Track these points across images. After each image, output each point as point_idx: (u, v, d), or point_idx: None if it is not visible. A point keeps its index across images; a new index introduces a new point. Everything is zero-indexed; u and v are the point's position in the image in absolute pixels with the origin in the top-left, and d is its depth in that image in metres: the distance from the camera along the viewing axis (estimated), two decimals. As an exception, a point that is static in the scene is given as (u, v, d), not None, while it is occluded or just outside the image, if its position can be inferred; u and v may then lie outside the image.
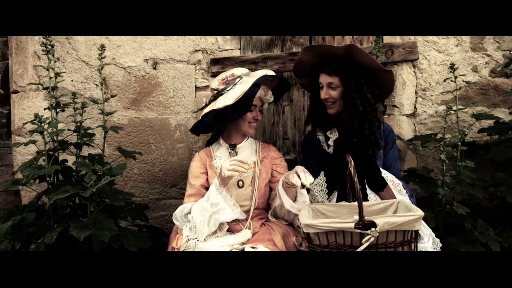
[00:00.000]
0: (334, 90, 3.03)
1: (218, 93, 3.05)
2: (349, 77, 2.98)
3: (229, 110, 2.93)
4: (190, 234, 2.83)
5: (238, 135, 3.18)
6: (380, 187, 2.98)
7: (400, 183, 3.03)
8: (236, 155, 3.10)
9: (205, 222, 2.80)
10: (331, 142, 3.20)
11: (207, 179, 3.10)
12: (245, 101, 2.94)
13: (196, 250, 2.75)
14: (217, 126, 3.24)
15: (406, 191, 3.02)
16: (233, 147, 3.10)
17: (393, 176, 3.03)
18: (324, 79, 3.06)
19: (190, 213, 2.91)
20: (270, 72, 3.12)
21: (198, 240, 2.79)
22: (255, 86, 2.94)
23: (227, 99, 2.94)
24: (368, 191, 3.00)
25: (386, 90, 3.15)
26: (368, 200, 2.92)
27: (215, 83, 3.10)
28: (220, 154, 3.17)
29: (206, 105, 3.11)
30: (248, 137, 3.25)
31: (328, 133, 3.23)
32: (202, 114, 3.06)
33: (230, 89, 3.01)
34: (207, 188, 3.04)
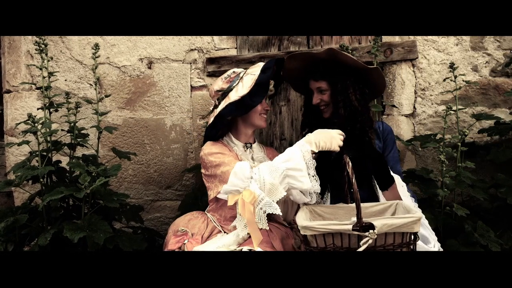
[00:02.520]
0: (324, 94, 3.06)
1: (225, 91, 3.05)
2: (335, 80, 3.01)
3: (247, 99, 2.92)
4: (263, 193, 2.61)
5: (248, 132, 3.16)
6: (388, 184, 2.97)
7: (405, 184, 3.02)
8: (253, 152, 3.12)
9: (276, 182, 2.61)
10: None
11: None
12: (260, 86, 2.93)
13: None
14: (221, 129, 3.21)
15: (410, 194, 3.02)
16: (249, 145, 3.12)
17: (398, 176, 3.02)
18: (313, 84, 3.10)
19: (254, 171, 2.71)
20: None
21: (273, 200, 2.59)
22: (266, 70, 2.95)
23: (240, 91, 2.94)
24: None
25: (378, 86, 3.17)
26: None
27: (219, 84, 3.08)
28: (237, 150, 3.15)
29: (216, 106, 3.09)
30: (255, 139, 3.26)
31: None
32: (216, 114, 3.01)
33: (237, 84, 3.02)
34: None
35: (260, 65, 3.02)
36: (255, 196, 2.59)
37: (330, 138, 2.72)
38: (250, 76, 2.98)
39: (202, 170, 3.03)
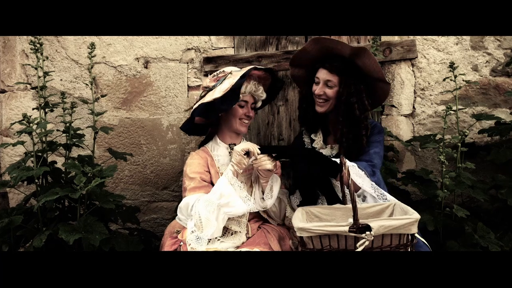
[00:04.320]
0: (330, 89, 3.03)
1: (210, 89, 3.07)
2: (349, 80, 2.98)
3: (218, 103, 2.94)
4: (195, 228, 2.76)
5: (232, 134, 3.19)
6: (335, 173, 2.88)
7: (355, 164, 2.87)
8: None
9: (212, 216, 2.73)
10: (315, 145, 3.23)
11: (210, 179, 3.06)
12: (235, 92, 2.95)
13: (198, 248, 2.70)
14: (211, 128, 3.25)
15: (364, 172, 2.88)
16: (232, 146, 3.13)
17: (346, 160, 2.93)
18: (323, 75, 3.05)
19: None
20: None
21: (207, 236, 2.73)
22: (242, 77, 2.96)
23: (215, 93, 2.96)
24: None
25: (378, 100, 3.18)
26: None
27: (207, 81, 3.12)
28: (220, 153, 3.17)
29: (197, 103, 3.12)
30: (243, 139, 3.27)
31: (312, 136, 3.25)
32: (191, 110, 3.07)
33: (219, 84, 3.03)
34: (212, 185, 3.01)
35: (247, 68, 3.03)
36: (185, 236, 2.81)
37: (234, 155, 2.83)
38: (230, 80, 2.99)
39: None
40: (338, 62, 3.01)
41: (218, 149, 3.18)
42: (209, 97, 2.96)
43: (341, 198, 2.85)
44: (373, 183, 2.86)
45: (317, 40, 3.05)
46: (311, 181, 3.03)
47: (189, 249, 2.69)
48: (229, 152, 3.14)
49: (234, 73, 3.06)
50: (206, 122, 3.26)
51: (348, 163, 2.84)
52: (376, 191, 2.83)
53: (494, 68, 3.96)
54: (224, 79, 3.03)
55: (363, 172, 2.86)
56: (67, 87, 4.09)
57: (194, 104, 3.11)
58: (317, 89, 3.08)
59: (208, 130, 3.30)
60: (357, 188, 2.86)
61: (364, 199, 2.90)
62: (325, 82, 3.05)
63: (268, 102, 3.46)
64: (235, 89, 2.93)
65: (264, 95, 3.23)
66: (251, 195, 2.90)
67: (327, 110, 3.09)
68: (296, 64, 3.30)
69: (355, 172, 2.82)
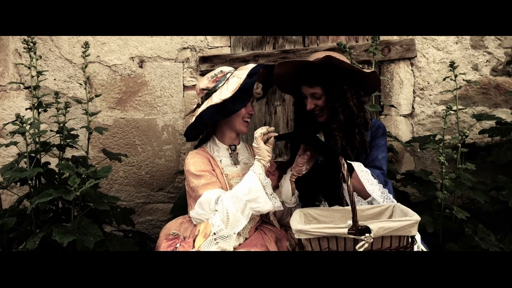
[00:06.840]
0: (319, 99, 3.02)
1: (210, 91, 3.04)
2: (330, 85, 2.96)
3: (229, 103, 2.92)
4: (222, 225, 2.73)
5: (232, 135, 3.17)
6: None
7: (368, 171, 2.90)
8: (237, 155, 3.13)
9: (239, 213, 2.74)
10: None
11: (217, 178, 3.01)
12: (244, 92, 2.93)
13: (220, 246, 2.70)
14: (206, 130, 3.23)
15: (378, 180, 2.91)
16: (233, 147, 3.13)
17: (360, 164, 2.91)
18: (306, 90, 3.05)
19: (217, 202, 2.82)
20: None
21: (234, 232, 2.73)
22: (252, 75, 2.95)
23: (223, 94, 2.93)
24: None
25: (373, 87, 3.13)
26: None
27: (204, 82, 3.08)
28: (222, 155, 3.14)
29: (199, 106, 3.09)
30: (240, 139, 3.26)
31: None
32: (197, 114, 3.01)
33: (222, 85, 3.00)
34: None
35: (249, 67, 3.01)
36: (209, 229, 2.76)
37: (257, 150, 2.90)
38: (235, 79, 2.97)
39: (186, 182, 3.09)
40: (314, 73, 2.99)
41: (219, 150, 3.15)
42: (216, 99, 2.94)
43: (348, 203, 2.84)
44: (384, 191, 2.88)
45: (282, 64, 3.07)
46: (317, 184, 3.05)
47: (216, 248, 2.67)
48: (230, 154, 3.13)
49: (236, 72, 3.05)
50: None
51: (363, 168, 2.88)
52: (385, 200, 2.84)
53: (494, 68, 3.96)
54: (227, 79, 3.02)
55: (376, 181, 2.88)
56: (61, 86, 4.09)
57: (197, 108, 3.08)
58: (308, 105, 3.07)
59: (202, 132, 3.27)
60: (367, 195, 2.87)
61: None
62: (311, 96, 3.04)
63: (260, 99, 3.45)
64: (245, 88, 2.92)
65: (261, 93, 3.22)
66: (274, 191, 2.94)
67: (328, 117, 3.08)
68: (280, 86, 3.32)
69: (367, 179, 2.85)
